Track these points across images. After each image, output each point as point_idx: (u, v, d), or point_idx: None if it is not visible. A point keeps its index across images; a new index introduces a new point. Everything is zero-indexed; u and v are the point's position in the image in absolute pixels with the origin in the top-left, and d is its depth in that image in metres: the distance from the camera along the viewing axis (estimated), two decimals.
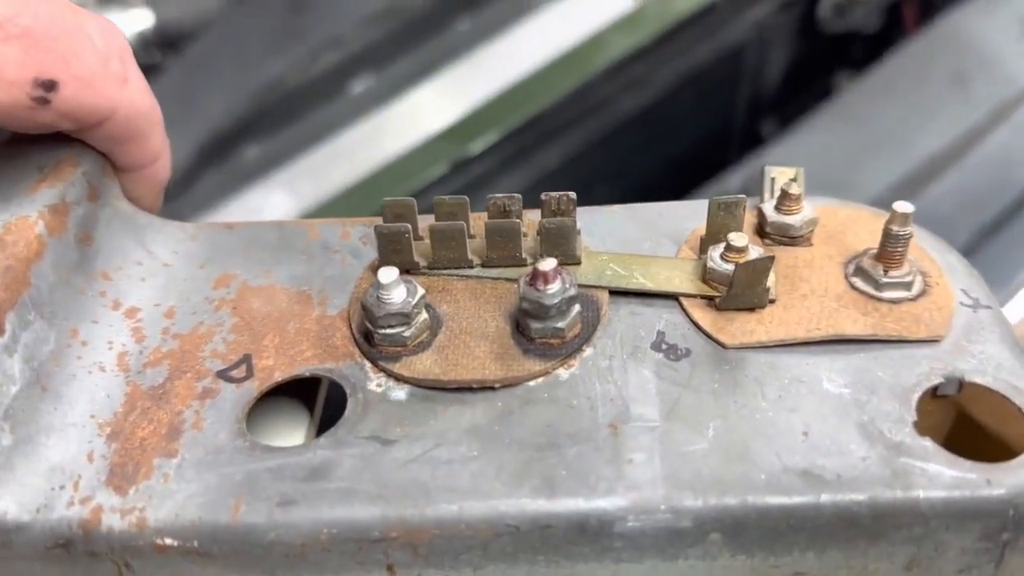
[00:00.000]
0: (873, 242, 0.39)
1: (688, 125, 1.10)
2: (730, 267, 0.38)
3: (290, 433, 0.40)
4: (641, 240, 0.42)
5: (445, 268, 0.40)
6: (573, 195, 0.39)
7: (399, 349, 0.37)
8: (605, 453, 0.34)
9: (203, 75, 0.92)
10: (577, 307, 0.37)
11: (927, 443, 0.34)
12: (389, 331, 0.36)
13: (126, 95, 0.38)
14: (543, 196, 0.39)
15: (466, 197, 0.40)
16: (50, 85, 0.35)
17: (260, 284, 0.41)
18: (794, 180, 0.41)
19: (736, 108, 1.15)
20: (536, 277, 0.36)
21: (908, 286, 0.38)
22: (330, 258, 0.42)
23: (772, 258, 0.37)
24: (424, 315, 0.37)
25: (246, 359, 0.38)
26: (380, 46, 0.98)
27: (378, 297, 0.36)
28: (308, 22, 0.96)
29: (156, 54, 0.92)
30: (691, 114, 1.09)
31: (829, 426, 0.34)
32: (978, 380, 0.36)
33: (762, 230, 0.41)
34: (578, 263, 0.39)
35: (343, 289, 0.40)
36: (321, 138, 0.96)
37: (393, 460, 0.34)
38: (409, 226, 0.39)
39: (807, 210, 0.40)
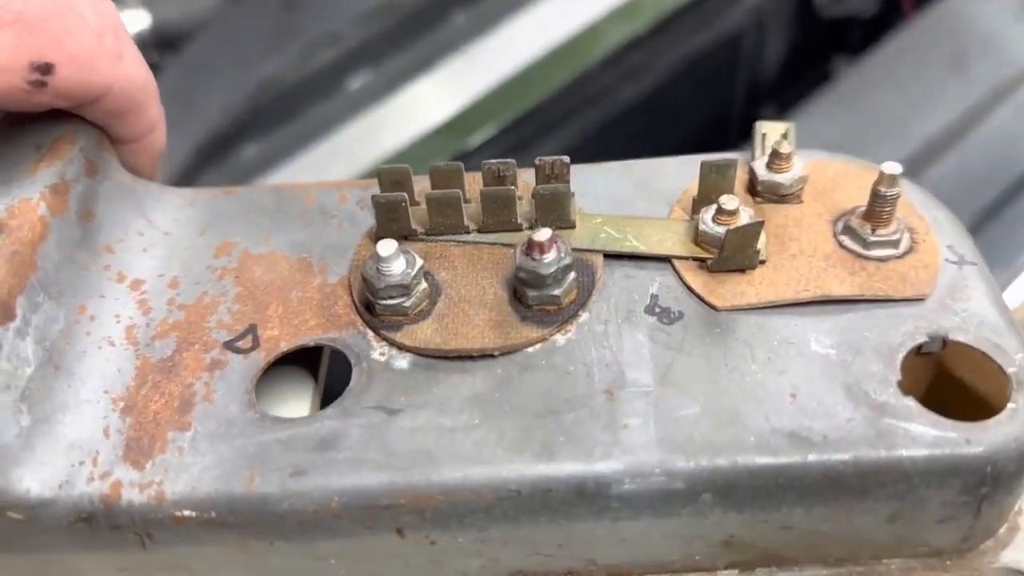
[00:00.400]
0: (862, 199, 0.38)
1: (686, 113, 1.10)
2: (721, 230, 0.37)
3: (296, 401, 0.40)
4: (634, 200, 0.41)
5: (442, 234, 0.40)
6: (567, 159, 0.39)
7: (400, 318, 0.37)
8: (601, 419, 0.34)
9: (201, 75, 0.92)
10: (573, 274, 0.37)
11: (910, 403, 0.34)
12: (389, 302, 0.36)
13: (121, 70, 0.39)
14: (537, 161, 0.39)
15: (461, 164, 0.40)
16: (46, 68, 0.35)
17: (261, 252, 0.41)
18: (785, 137, 0.41)
19: (735, 95, 1.15)
20: (532, 247, 0.36)
21: (895, 244, 0.38)
22: (328, 224, 0.42)
23: (761, 223, 0.37)
24: (423, 284, 0.37)
25: (251, 329, 0.38)
26: (376, 41, 0.98)
27: (378, 269, 0.36)
28: (303, 20, 0.96)
29: (153, 54, 0.92)
30: (689, 101, 1.09)
31: (816, 388, 0.34)
32: (960, 338, 0.36)
33: (753, 188, 0.41)
34: (572, 227, 0.39)
35: (343, 256, 0.40)
36: (319, 135, 0.96)
37: (399, 429, 0.34)
38: (405, 195, 0.39)
39: (797, 167, 0.40)
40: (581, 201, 0.41)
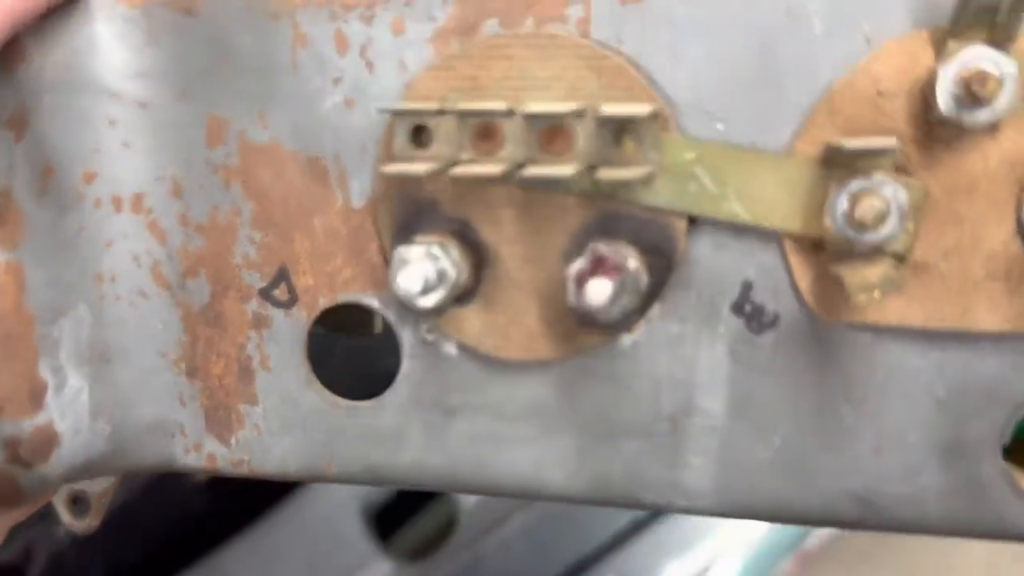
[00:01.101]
0: None
1: None
2: (852, 234, 0.27)
3: None
4: (751, 87, 0.29)
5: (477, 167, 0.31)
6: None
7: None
8: (663, 453, 0.32)
9: None
10: (635, 298, 0.30)
11: (1004, 480, 0.29)
12: (423, 301, 0.31)
13: None
14: None
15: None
16: None
17: (261, 141, 0.33)
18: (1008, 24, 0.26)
19: None
20: (581, 283, 0.28)
21: None
22: (331, 94, 0.32)
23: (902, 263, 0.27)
24: (460, 276, 0.31)
25: (284, 274, 0.34)
26: None
27: (399, 281, 0.30)
28: None
29: None
30: None
31: (907, 445, 0.30)
32: None
33: (926, 105, 0.28)
34: (649, 178, 0.29)
35: (362, 160, 0.32)
36: None
37: (457, 434, 0.34)
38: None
39: (1008, 92, 0.26)
40: (668, 72, 0.29)
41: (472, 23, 0.31)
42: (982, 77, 0.26)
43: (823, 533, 0.88)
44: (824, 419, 0.30)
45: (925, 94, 0.28)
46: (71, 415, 0.33)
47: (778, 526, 0.82)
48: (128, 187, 0.34)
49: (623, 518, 0.83)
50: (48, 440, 0.32)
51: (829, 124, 0.29)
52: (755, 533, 0.83)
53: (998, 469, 0.30)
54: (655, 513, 0.81)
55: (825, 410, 0.30)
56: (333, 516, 0.82)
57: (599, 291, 0.28)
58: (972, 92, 0.26)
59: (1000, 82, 0.26)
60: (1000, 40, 0.27)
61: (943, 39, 0.27)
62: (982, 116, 0.27)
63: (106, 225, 0.34)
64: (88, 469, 0.35)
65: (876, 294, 0.27)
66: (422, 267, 0.30)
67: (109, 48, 0.33)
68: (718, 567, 0.81)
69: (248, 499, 0.83)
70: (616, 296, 0.28)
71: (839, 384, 0.30)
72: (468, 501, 0.84)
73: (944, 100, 0.27)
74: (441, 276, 0.30)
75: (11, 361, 0.31)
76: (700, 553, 0.81)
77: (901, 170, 0.28)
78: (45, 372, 0.32)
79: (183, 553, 0.82)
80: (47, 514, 0.76)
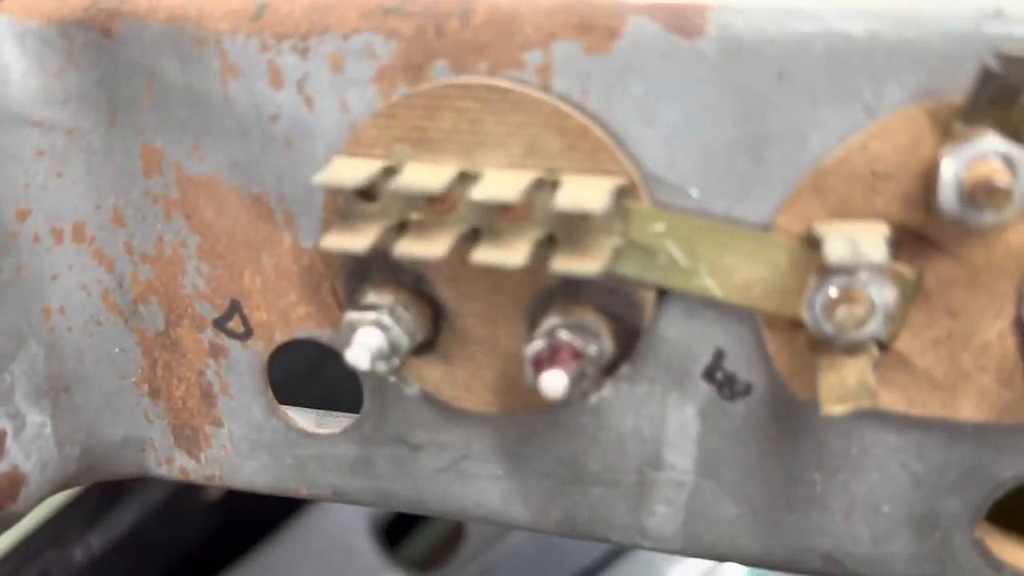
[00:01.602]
0: None
1: None
2: (830, 329, 0.25)
3: None
4: (731, 154, 0.26)
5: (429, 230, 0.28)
6: None
7: None
8: (628, 501, 0.31)
9: None
10: (600, 371, 0.28)
11: (975, 553, 0.28)
12: (376, 367, 0.29)
13: None
14: None
15: None
16: None
17: (199, 174, 0.31)
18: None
19: None
20: (538, 369, 0.26)
21: None
22: (270, 133, 0.29)
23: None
24: (416, 338, 0.29)
25: (237, 307, 0.32)
26: None
27: (347, 355, 0.28)
28: None
29: None
30: None
31: (879, 514, 0.29)
32: None
33: (927, 190, 0.24)
34: (615, 257, 0.27)
35: (307, 202, 0.30)
36: None
37: (423, 468, 0.33)
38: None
39: (1021, 193, 0.23)
40: (639, 135, 0.26)
41: (418, 64, 0.27)
42: (987, 186, 0.23)
43: None
44: (794, 485, 0.29)
45: (927, 180, 0.24)
46: (35, 452, 0.33)
47: None
48: (67, 218, 0.32)
49: None
50: (15, 483, 0.32)
51: (816, 201, 0.26)
52: None
53: (971, 542, 0.29)
54: None
55: (796, 477, 0.29)
56: (342, 530, 0.82)
57: (554, 384, 0.26)
58: (978, 197, 0.23)
59: (1008, 193, 0.23)
60: (1017, 128, 0.23)
61: (953, 120, 0.24)
62: (987, 220, 0.23)
63: (48, 259, 0.32)
64: (64, 486, 0.35)
65: (848, 406, 0.25)
66: (371, 338, 0.28)
67: (25, 73, 0.30)
68: (725, 568, 0.78)
69: (259, 516, 0.84)
70: (573, 385, 0.27)
71: (812, 454, 0.29)
72: None
73: (946, 198, 0.24)
74: (393, 347, 0.28)
75: None
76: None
77: (893, 256, 0.25)
78: (2, 421, 0.32)
79: (195, 572, 0.83)
80: (64, 537, 0.78)
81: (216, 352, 0.33)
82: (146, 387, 0.35)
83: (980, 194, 0.23)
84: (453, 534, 0.86)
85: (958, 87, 0.24)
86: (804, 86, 0.25)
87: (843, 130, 0.25)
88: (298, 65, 0.28)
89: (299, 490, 0.35)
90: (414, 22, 0.27)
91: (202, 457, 0.35)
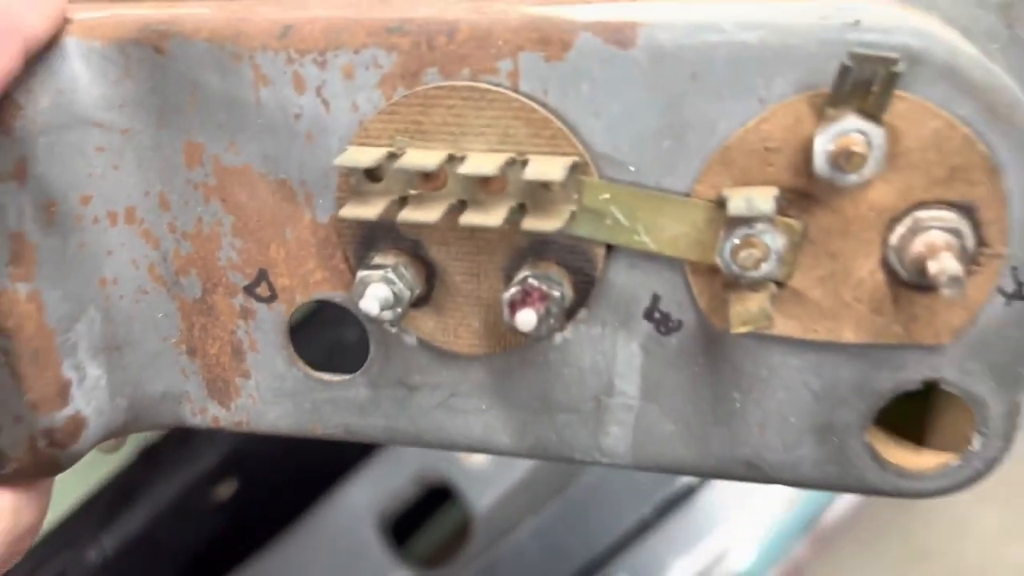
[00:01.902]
0: (953, 186, 0.31)
1: None
2: (736, 271, 0.32)
3: None
4: (659, 137, 0.33)
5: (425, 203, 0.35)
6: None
7: None
8: (588, 424, 0.38)
9: None
10: (559, 321, 0.35)
11: (866, 454, 0.36)
12: (383, 315, 0.36)
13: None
14: None
15: None
16: None
17: (234, 164, 0.37)
18: (880, 90, 0.30)
19: None
20: (513, 310, 0.34)
21: (954, 281, 0.32)
22: (294, 129, 0.36)
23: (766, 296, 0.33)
24: (414, 292, 0.36)
25: (264, 276, 0.39)
26: None
27: (361, 305, 0.35)
28: None
29: None
30: None
31: (787, 425, 0.36)
32: (954, 392, 0.34)
33: (807, 160, 0.32)
34: (571, 218, 0.34)
35: (324, 184, 0.37)
36: None
37: (420, 406, 0.40)
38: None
39: (874, 160, 0.31)
40: (590, 125, 0.33)
41: (414, 71, 0.34)
42: (848, 153, 0.30)
43: (836, 514, 0.87)
44: (718, 403, 0.37)
45: (806, 153, 0.32)
46: (94, 400, 0.39)
47: (792, 510, 0.83)
48: (120, 203, 0.38)
49: (633, 516, 0.84)
50: (78, 425, 0.39)
51: (724, 172, 0.33)
52: (768, 518, 0.84)
53: (862, 445, 0.36)
54: (664, 509, 0.83)
55: (719, 396, 0.37)
56: (350, 529, 0.85)
57: (526, 320, 0.34)
58: (841, 163, 0.31)
59: (865, 157, 0.30)
60: (872, 111, 0.31)
61: (825, 105, 0.31)
62: (851, 179, 0.31)
63: (104, 238, 0.39)
64: (114, 434, 0.41)
65: (751, 327, 0.33)
66: (380, 290, 0.35)
67: (90, 84, 0.37)
68: (733, 555, 0.81)
69: (268, 515, 0.87)
70: (541, 322, 0.34)
71: (731, 377, 0.36)
72: (481, 508, 0.86)
73: (819, 164, 0.31)
74: (397, 297, 0.35)
75: (41, 371, 0.37)
76: (712, 543, 0.82)
77: (783, 213, 0.33)
78: (68, 371, 0.38)
79: (207, 571, 0.86)
80: (77, 539, 0.82)
81: (246, 314, 0.40)
82: (184, 347, 0.41)
83: (843, 160, 0.31)
84: (459, 532, 0.89)
85: (828, 81, 0.31)
86: (712, 84, 0.32)
87: (742, 116, 0.32)
88: (317, 74, 0.35)
89: (315, 430, 0.41)
90: (410, 38, 0.34)
91: (232, 406, 0.42)
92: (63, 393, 0.38)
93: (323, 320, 0.79)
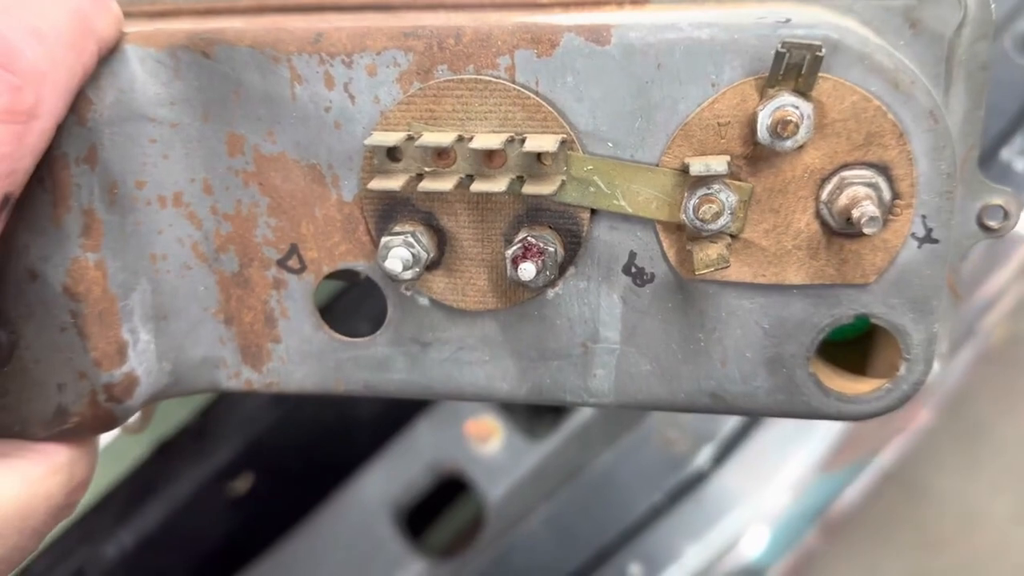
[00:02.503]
0: (870, 149, 0.39)
1: None
2: (699, 225, 0.40)
3: None
4: (632, 118, 0.41)
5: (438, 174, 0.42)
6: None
7: None
8: (577, 368, 0.45)
9: None
10: (555, 274, 0.42)
11: (811, 382, 0.43)
12: (404, 275, 0.43)
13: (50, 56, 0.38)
14: None
15: None
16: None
17: (271, 152, 0.44)
18: (808, 72, 0.37)
19: None
20: (515, 264, 0.40)
21: (869, 222, 0.39)
22: (324, 120, 0.43)
23: (727, 258, 0.40)
24: (429, 254, 0.43)
25: (295, 249, 0.45)
26: None
27: (386, 264, 0.42)
28: None
29: None
30: None
31: (744, 359, 0.43)
32: (881, 325, 0.42)
33: (752, 132, 0.39)
34: (561, 186, 0.41)
35: (349, 167, 0.43)
36: None
37: (431, 360, 0.46)
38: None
39: (805, 127, 0.38)
40: (574, 107, 0.41)
41: (428, 68, 0.41)
42: (785, 122, 0.38)
43: (846, 501, 0.89)
44: (686, 343, 0.44)
45: (751, 125, 0.39)
46: (145, 362, 0.45)
47: (802, 498, 0.85)
48: (169, 188, 0.45)
49: (644, 503, 0.86)
50: (132, 382, 0.44)
51: (686, 145, 0.40)
52: (778, 506, 0.85)
53: (807, 374, 0.43)
54: (676, 496, 0.86)
55: (687, 337, 0.44)
56: (365, 520, 0.88)
57: (527, 271, 0.41)
58: (779, 131, 0.38)
59: (798, 125, 0.38)
60: (802, 89, 0.38)
61: (765, 87, 0.39)
62: (787, 144, 0.39)
63: (155, 218, 0.45)
64: (158, 396, 0.47)
65: (712, 269, 0.40)
66: (402, 252, 0.42)
67: (145, 84, 0.43)
68: (745, 542, 0.83)
69: (284, 509, 0.90)
70: (539, 273, 0.41)
71: (695, 320, 0.43)
72: (494, 497, 0.90)
73: (762, 133, 0.39)
74: (415, 258, 0.42)
75: (104, 330, 0.43)
76: (723, 530, 0.84)
77: (735, 177, 0.40)
78: (126, 334, 0.44)
79: (224, 565, 0.89)
80: (96, 534, 0.85)
81: (278, 285, 0.46)
82: (222, 317, 0.47)
83: (781, 128, 0.38)
84: (473, 522, 0.92)
85: (767, 68, 0.39)
86: (673, 72, 0.40)
87: (699, 98, 0.40)
88: (345, 73, 0.42)
89: (337, 387, 0.47)
90: (424, 41, 0.41)
91: (264, 369, 0.48)
92: (121, 352, 0.44)
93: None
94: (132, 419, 0.54)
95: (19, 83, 0.36)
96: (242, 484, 0.89)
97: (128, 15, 0.43)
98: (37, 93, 0.36)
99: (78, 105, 0.41)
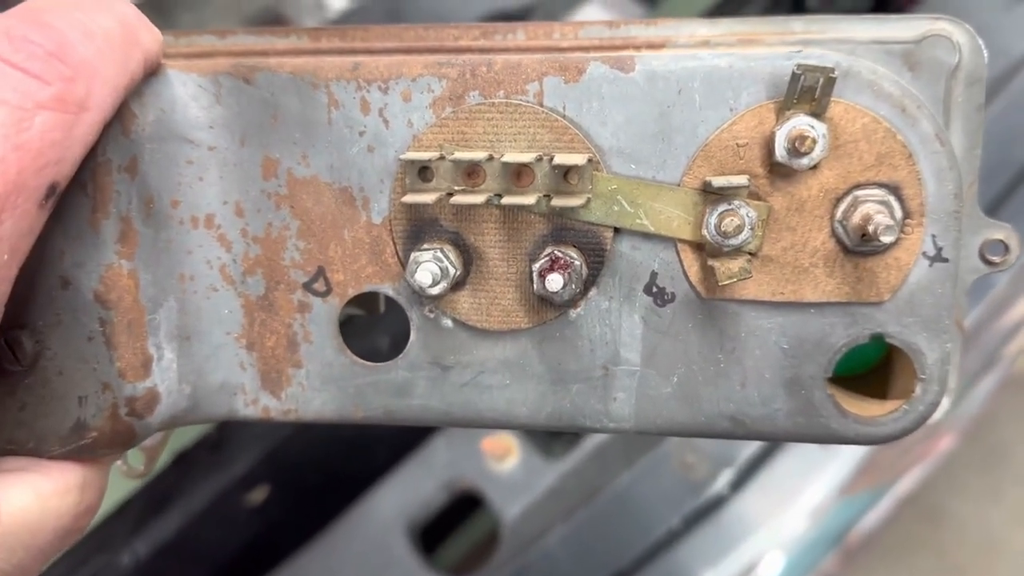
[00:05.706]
0: (881, 169, 0.41)
1: None
2: (719, 241, 0.41)
3: None
4: (654, 140, 0.43)
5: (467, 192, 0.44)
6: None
7: None
8: (597, 391, 0.45)
9: None
10: (580, 288, 0.43)
11: (829, 403, 0.44)
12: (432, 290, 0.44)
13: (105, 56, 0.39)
14: None
15: None
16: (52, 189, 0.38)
17: (304, 176, 0.45)
18: (820, 94, 0.40)
19: None
20: (543, 276, 0.42)
21: (883, 242, 0.41)
22: (358, 143, 0.45)
23: (749, 269, 0.41)
24: (457, 271, 0.44)
25: (321, 272, 0.46)
26: None
27: (416, 278, 0.43)
28: None
29: None
30: None
31: (763, 380, 0.44)
32: (896, 344, 0.43)
33: (769, 153, 0.42)
34: (588, 201, 0.43)
35: (380, 190, 0.45)
36: None
37: (451, 384, 0.46)
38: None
39: (821, 145, 0.41)
40: (597, 129, 0.43)
41: (460, 94, 0.43)
42: (802, 138, 0.40)
43: (864, 528, 0.88)
44: (706, 364, 0.45)
45: (769, 146, 0.41)
46: (167, 380, 0.45)
47: (820, 523, 0.84)
48: (202, 210, 0.46)
49: (662, 527, 0.85)
50: (154, 398, 0.44)
51: (706, 165, 0.42)
52: (795, 532, 0.84)
53: (825, 395, 0.44)
54: (693, 520, 0.85)
55: (706, 358, 0.45)
56: (380, 536, 0.87)
57: (555, 282, 0.42)
58: (796, 147, 0.40)
59: (815, 141, 0.40)
60: (817, 111, 0.41)
61: (781, 109, 0.41)
62: (804, 161, 0.41)
63: (187, 239, 0.46)
64: (175, 420, 0.47)
65: (735, 280, 0.41)
66: (431, 267, 0.43)
67: (186, 107, 0.45)
68: (761, 568, 0.82)
69: (299, 522, 0.89)
70: (566, 284, 0.42)
71: (715, 340, 0.44)
72: (510, 516, 0.89)
73: (780, 151, 0.41)
74: (444, 272, 0.43)
75: (133, 340, 0.43)
76: (740, 556, 0.83)
77: (753, 196, 0.42)
78: (151, 348, 0.44)
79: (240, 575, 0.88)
80: (111, 543, 0.83)
81: (303, 308, 0.47)
82: (244, 341, 0.47)
83: (798, 143, 0.40)
84: (488, 539, 0.90)
85: (782, 92, 0.41)
86: (694, 98, 0.42)
87: (718, 122, 0.42)
88: (381, 98, 0.44)
89: (356, 413, 0.47)
90: (457, 69, 0.43)
91: (283, 395, 0.48)
92: (146, 365, 0.44)
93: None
94: (135, 462, 0.53)
95: (71, 74, 0.37)
96: (258, 496, 0.88)
97: (166, 55, 0.45)
98: (88, 86, 0.38)
99: (123, 116, 0.42)
